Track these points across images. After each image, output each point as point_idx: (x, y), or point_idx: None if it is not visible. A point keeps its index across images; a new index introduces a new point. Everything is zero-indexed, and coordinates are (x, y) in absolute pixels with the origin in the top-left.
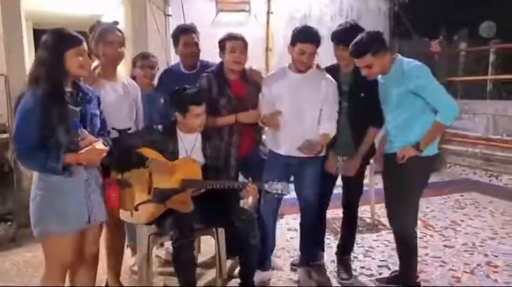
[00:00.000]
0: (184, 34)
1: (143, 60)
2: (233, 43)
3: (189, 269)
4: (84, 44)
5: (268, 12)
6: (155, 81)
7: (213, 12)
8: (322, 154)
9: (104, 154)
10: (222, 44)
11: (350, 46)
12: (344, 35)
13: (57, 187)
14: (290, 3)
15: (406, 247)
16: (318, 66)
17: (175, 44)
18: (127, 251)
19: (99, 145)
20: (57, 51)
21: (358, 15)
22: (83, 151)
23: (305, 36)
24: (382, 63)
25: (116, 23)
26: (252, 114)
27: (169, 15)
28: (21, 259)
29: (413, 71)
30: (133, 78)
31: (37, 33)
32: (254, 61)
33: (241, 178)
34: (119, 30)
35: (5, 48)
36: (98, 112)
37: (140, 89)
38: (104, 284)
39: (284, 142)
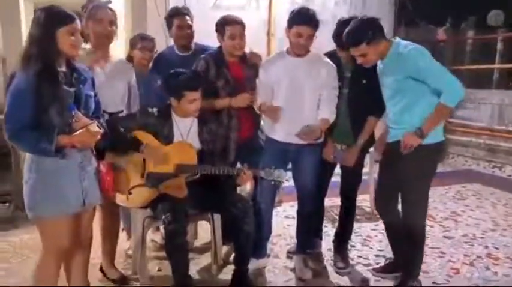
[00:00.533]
0: (178, 16)
1: (142, 42)
2: (233, 29)
3: (181, 254)
4: (77, 22)
5: None
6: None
7: None
8: (320, 140)
9: (98, 137)
10: (220, 28)
11: (343, 35)
12: (336, 37)
13: (50, 170)
14: None
15: (415, 241)
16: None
17: (169, 26)
18: (122, 235)
19: (94, 127)
20: (49, 29)
21: (363, 1)
22: (76, 133)
23: (301, 18)
24: (377, 50)
25: (108, 1)
26: (244, 98)
27: None
28: (18, 240)
29: (411, 55)
30: (130, 59)
31: None
32: (255, 46)
33: (239, 165)
34: (110, 9)
35: (2, 29)
36: (92, 93)
37: (137, 72)
38: (98, 268)
39: (281, 128)
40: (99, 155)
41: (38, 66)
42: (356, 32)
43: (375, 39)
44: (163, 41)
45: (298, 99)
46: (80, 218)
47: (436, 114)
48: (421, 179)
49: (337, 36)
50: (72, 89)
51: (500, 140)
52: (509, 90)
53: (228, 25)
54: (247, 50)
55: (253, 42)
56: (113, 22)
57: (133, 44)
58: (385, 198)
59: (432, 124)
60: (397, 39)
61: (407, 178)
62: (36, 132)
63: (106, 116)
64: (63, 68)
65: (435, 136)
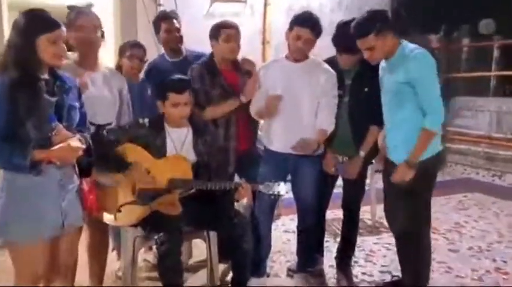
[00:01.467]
0: (165, 20)
1: (132, 50)
2: (229, 32)
3: (174, 275)
4: (62, 29)
5: (266, 4)
6: (142, 74)
7: (207, 2)
8: (320, 151)
9: (80, 152)
10: (215, 32)
11: (351, 27)
12: (336, 41)
13: (24, 189)
14: None
15: (418, 251)
16: None
17: (157, 31)
18: (112, 255)
19: (75, 142)
20: (28, 35)
21: (359, 8)
22: (55, 147)
23: (303, 20)
24: (385, 45)
25: (89, 6)
26: (251, 87)
27: (160, 5)
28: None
29: (415, 58)
30: (119, 68)
31: None
32: (250, 54)
33: (236, 178)
34: (90, 15)
35: None
36: (77, 104)
37: (127, 81)
38: None
39: (279, 137)
40: (82, 172)
41: (15, 74)
42: (365, 22)
43: (384, 31)
44: (154, 50)
45: (295, 106)
46: (61, 241)
47: (422, 140)
48: (422, 191)
49: (336, 39)
50: (53, 99)
51: (499, 148)
52: (507, 98)
53: (223, 27)
54: (239, 57)
55: (249, 50)
56: (96, 27)
57: (122, 51)
58: (392, 209)
59: (419, 152)
60: (405, 41)
61: (407, 191)
62: (9, 145)
63: (93, 128)
64: (46, 75)
65: (431, 148)
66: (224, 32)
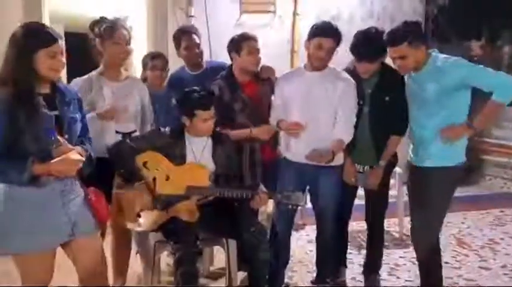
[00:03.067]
0: (185, 36)
1: (153, 61)
2: (252, 44)
3: (190, 282)
4: (59, 43)
5: (295, 14)
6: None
7: (237, 13)
8: (340, 162)
9: (80, 165)
10: (237, 45)
11: (385, 34)
12: (354, 49)
13: (23, 201)
14: (317, 4)
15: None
16: None
17: (177, 47)
18: (137, 258)
19: (74, 155)
20: (26, 50)
21: (391, 17)
22: (54, 160)
23: (324, 30)
24: (417, 55)
25: (125, 19)
26: (266, 130)
27: (192, 16)
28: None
29: (452, 66)
30: (145, 80)
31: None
32: (279, 63)
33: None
34: (125, 28)
35: None
36: (77, 116)
37: (152, 92)
38: None
39: (296, 147)
40: (86, 182)
41: (13, 88)
42: (400, 31)
43: (417, 42)
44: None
45: (313, 116)
46: (81, 247)
47: (487, 110)
48: (437, 202)
49: (355, 46)
50: (53, 113)
51: None
52: None
53: (245, 41)
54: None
55: (277, 60)
56: (128, 42)
57: (144, 64)
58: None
59: (483, 120)
60: (436, 52)
61: (425, 200)
62: (7, 160)
63: (118, 136)
64: (46, 90)
65: (456, 157)
66: (247, 44)
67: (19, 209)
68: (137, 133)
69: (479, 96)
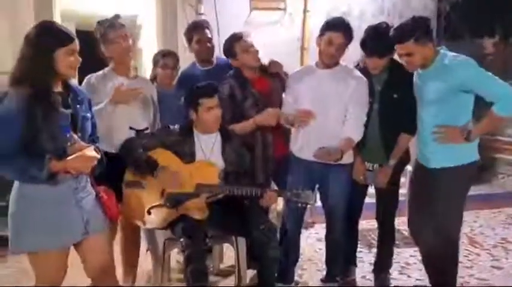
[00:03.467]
0: (197, 30)
1: (164, 59)
2: (241, 43)
3: (199, 279)
4: (76, 42)
5: (305, 11)
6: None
7: (247, 10)
8: (350, 161)
9: (95, 162)
10: (230, 49)
11: (392, 30)
12: (364, 44)
13: (37, 199)
14: (328, 1)
15: (445, 266)
16: None
17: (189, 41)
18: (147, 255)
19: (90, 152)
20: (46, 49)
21: (401, 14)
22: (70, 157)
23: (335, 25)
24: (424, 52)
25: (116, 17)
26: (270, 114)
27: (201, 14)
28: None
29: (458, 65)
30: (154, 77)
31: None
32: (289, 60)
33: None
34: (121, 25)
35: None
36: (89, 115)
37: (161, 90)
38: None
39: (305, 145)
40: (98, 180)
41: (29, 88)
42: (407, 28)
43: (424, 39)
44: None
45: (324, 114)
46: (92, 245)
47: (486, 121)
48: (454, 200)
49: (365, 41)
50: (68, 111)
51: None
52: None
53: (236, 42)
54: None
55: (287, 57)
56: (127, 36)
57: (155, 62)
58: (419, 222)
59: (481, 130)
60: (444, 50)
61: (439, 200)
62: (25, 158)
63: (133, 133)
64: (59, 88)
65: (469, 155)
66: (238, 45)
67: (31, 208)
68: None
69: (484, 102)
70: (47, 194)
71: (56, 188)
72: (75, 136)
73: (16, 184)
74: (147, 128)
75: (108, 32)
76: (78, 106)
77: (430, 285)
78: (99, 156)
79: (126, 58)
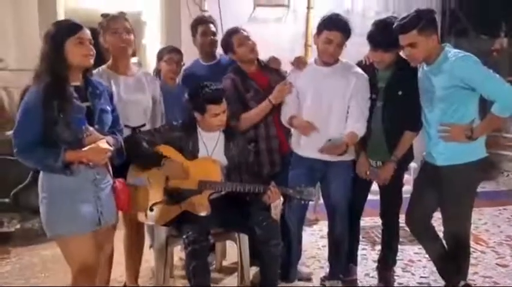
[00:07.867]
0: (202, 23)
1: (169, 54)
2: (237, 36)
3: (201, 276)
4: (85, 31)
5: (308, 7)
6: (179, 78)
7: (250, 7)
8: (351, 158)
9: (109, 153)
10: (227, 44)
11: (396, 22)
12: (371, 36)
13: (62, 188)
14: None
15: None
16: None
17: (194, 34)
18: (151, 252)
19: (103, 144)
20: (57, 42)
21: (406, 11)
22: (84, 148)
23: (332, 24)
24: (427, 44)
25: (122, 13)
26: (281, 88)
27: (205, 11)
28: (50, 253)
29: (459, 62)
30: (158, 72)
31: None
32: (292, 57)
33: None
34: (124, 19)
35: None
36: (108, 108)
37: (164, 85)
38: (122, 285)
39: (307, 143)
40: (116, 172)
41: (47, 81)
42: (410, 18)
43: (427, 30)
44: (197, 55)
45: (324, 111)
46: (97, 237)
47: (486, 122)
48: (463, 198)
49: (371, 34)
50: (85, 104)
51: None
52: None
53: (233, 36)
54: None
55: (291, 54)
56: (129, 30)
57: (160, 56)
58: (422, 218)
59: (482, 130)
60: (448, 46)
61: (447, 197)
62: (43, 148)
63: (128, 131)
64: (78, 83)
65: (476, 152)
66: (235, 39)
67: (59, 198)
68: (147, 127)
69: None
70: (68, 184)
71: (76, 179)
72: (91, 128)
73: (42, 175)
74: (144, 125)
75: (110, 22)
76: (96, 100)
77: (434, 282)
78: (112, 148)
79: (125, 53)
